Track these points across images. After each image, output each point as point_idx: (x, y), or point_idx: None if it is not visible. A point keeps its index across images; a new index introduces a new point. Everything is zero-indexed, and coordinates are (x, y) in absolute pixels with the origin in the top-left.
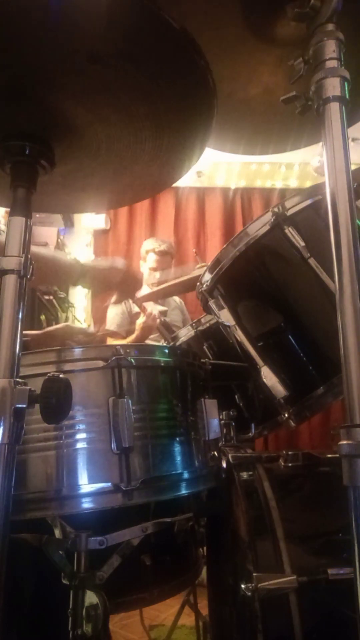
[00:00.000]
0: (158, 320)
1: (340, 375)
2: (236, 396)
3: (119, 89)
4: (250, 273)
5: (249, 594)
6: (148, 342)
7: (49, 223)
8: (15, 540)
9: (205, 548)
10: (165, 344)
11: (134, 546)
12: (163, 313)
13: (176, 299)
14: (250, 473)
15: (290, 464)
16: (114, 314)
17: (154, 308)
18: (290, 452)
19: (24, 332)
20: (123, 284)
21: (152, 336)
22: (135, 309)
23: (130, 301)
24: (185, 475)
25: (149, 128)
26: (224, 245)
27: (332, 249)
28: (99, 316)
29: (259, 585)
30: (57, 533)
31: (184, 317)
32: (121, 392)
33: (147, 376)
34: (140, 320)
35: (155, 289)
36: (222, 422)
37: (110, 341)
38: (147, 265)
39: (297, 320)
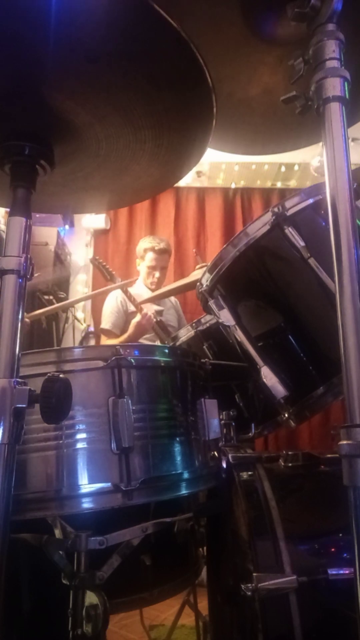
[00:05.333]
0: (154, 320)
1: (340, 375)
2: (236, 396)
3: (118, 89)
4: (250, 273)
5: (249, 594)
6: (144, 341)
7: (49, 223)
8: (15, 540)
9: (205, 548)
10: (160, 344)
11: (134, 546)
12: (159, 313)
13: (172, 298)
14: (250, 473)
15: (290, 464)
16: (110, 312)
17: (149, 307)
18: (290, 452)
19: None
20: None
21: (147, 335)
22: (131, 308)
23: (127, 300)
24: (185, 475)
25: (148, 128)
26: (224, 246)
27: (332, 249)
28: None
29: (259, 585)
30: (57, 533)
31: (179, 317)
32: (121, 392)
33: (147, 376)
34: (136, 320)
35: (155, 292)
36: (222, 422)
37: (105, 340)
38: (145, 263)
39: (297, 320)
